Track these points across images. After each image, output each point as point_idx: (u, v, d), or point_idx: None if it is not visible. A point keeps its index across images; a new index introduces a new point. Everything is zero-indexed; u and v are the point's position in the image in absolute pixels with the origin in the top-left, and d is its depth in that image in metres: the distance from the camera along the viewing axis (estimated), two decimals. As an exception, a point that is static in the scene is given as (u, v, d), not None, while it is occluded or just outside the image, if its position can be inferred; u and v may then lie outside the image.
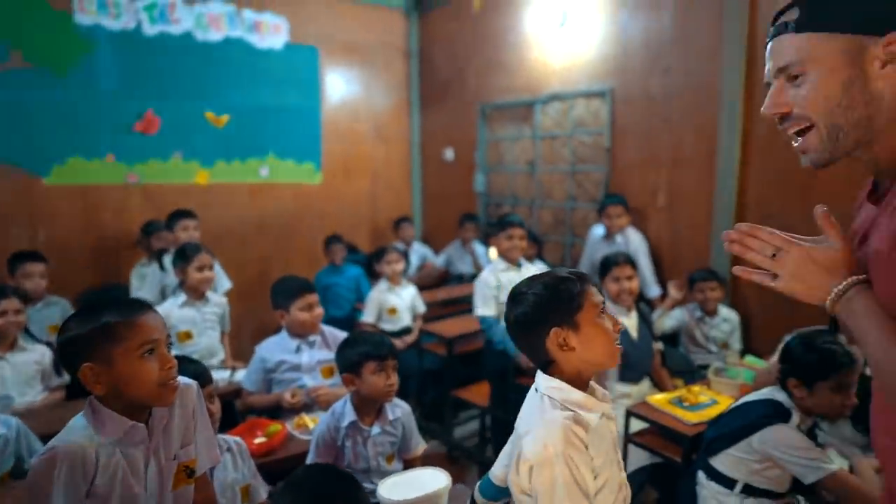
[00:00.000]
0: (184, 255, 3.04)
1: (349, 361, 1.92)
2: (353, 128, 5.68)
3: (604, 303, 1.21)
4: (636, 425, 2.50)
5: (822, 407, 1.80)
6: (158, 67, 4.52)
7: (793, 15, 0.93)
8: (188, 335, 2.98)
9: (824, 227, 0.94)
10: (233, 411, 2.60)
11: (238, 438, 1.89)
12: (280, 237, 5.28)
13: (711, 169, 3.66)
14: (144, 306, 1.30)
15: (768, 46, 0.97)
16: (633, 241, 3.90)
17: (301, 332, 2.58)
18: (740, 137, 3.49)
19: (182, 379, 1.35)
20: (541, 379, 1.21)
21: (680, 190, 3.91)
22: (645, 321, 2.94)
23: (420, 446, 2.04)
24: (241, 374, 2.74)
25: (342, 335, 2.50)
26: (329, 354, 2.53)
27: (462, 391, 3.56)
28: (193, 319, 3.03)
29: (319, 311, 2.61)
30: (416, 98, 6.06)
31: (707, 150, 3.70)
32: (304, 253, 5.34)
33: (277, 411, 2.47)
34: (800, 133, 0.96)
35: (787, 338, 2.73)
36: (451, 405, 3.70)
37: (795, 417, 1.80)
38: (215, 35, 4.78)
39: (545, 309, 1.18)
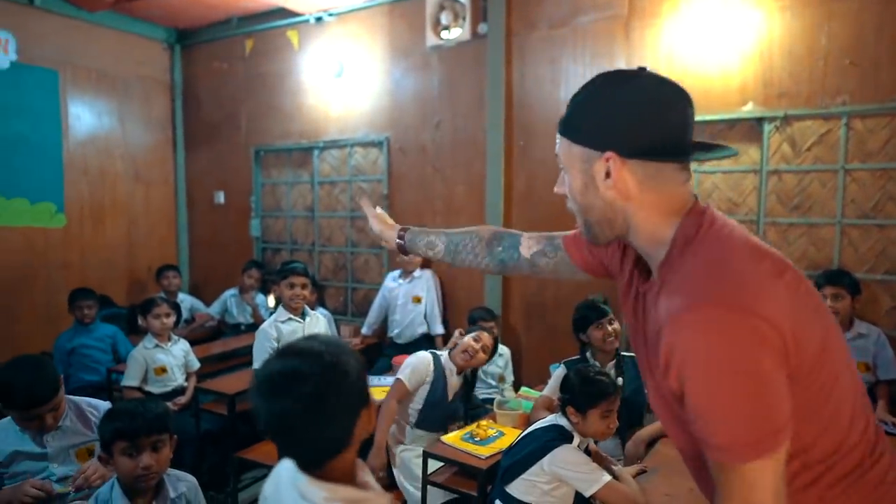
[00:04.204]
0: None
1: (102, 439, 1.65)
2: (106, 166, 5.05)
3: None
4: (432, 465, 2.58)
5: (593, 430, 2.07)
6: None
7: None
8: None
9: None
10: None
11: None
12: (5, 292, 4.41)
13: (481, 217, 4.03)
14: None
15: None
16: (429, 280, 4.19)
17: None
18: (504, 190, 3.92)
19: None
20: (312, 489, 1.02)
21: (454, 236, 4.23)
22: None
23: None
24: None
25: (101, 405, 2.16)
26: (84, 432, 2.15)
27: (247, 452, 3.29)
28: None
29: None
30: (181, 137, 5.63)
31: (477, 200, 4.07)
32: (40, 311, 4.54)
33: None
34: None
35: (553, 367, 3.11)
36: (236, 469, 3.40)
37: (576, 439, 2.05)
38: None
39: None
